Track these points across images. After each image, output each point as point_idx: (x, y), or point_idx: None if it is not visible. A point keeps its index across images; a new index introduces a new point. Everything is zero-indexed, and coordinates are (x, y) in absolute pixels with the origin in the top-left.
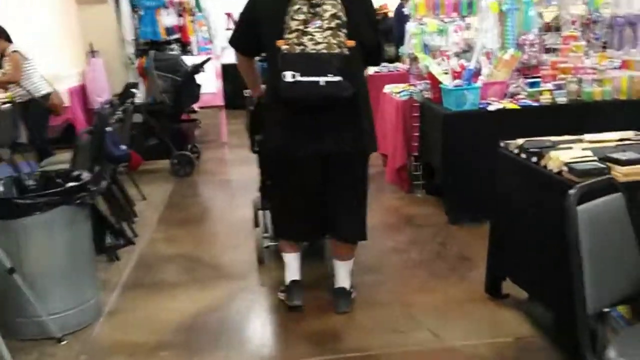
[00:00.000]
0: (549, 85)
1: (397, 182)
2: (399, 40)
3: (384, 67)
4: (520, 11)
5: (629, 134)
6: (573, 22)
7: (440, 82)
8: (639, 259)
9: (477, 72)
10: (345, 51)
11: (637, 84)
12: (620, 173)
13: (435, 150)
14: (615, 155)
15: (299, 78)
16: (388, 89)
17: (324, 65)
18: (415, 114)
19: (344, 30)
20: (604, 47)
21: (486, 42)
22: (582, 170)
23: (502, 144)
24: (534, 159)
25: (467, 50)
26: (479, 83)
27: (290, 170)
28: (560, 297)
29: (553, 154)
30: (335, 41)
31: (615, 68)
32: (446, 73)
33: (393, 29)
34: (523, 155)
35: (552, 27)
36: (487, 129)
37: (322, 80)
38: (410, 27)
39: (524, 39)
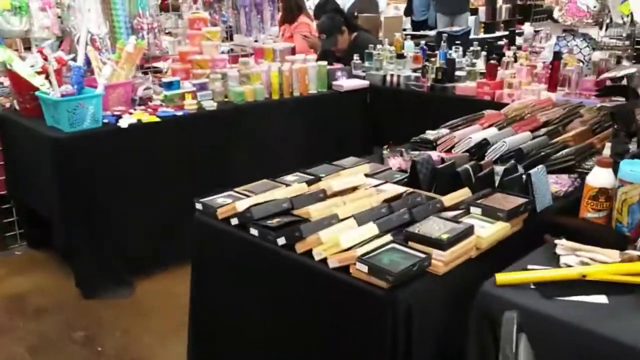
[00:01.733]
0: (189, 86)
1: None
2: None
3: None
4: None
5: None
6: (195, 1)
7: (36, 89)
8: None
9: (88, 71)
10: None
11: (289, 78)
12: (441, 262)
13: (44, 190)
14: (421, 231)
15: None
16: None
17: None
18: None
19: None
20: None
21: (90, 26)
22: (395, 272)
23: (198, 207)
24: (281, 242)
25: (60, 37)
26: (100, 88)
27: None
28: None
29: (326, 237)
30: None
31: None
32: (40, 73)
33: None
34: (254, 232)
35: (170, 6)
36: (124, 155)
37: None
38: None
39: (140, 22)
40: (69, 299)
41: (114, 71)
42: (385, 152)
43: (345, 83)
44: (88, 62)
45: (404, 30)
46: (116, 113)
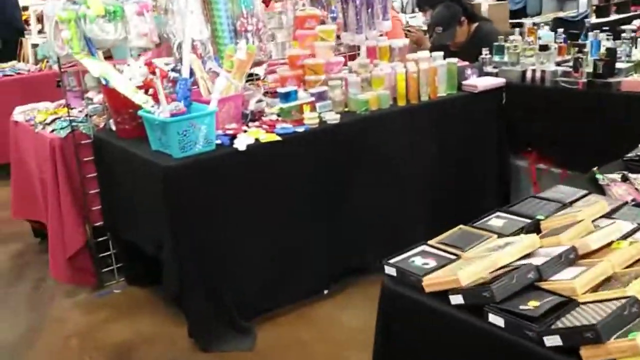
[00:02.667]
0: (305, 95)
1: (72, 278)
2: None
3: None
4: None
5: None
6: None
7: (138, 107)
8: None
9: (193, 83)
10: None
11: (416, 81)
12: None
13: (150, 225)
14: None
15: None
16: (21, 114)
17: None
18: (88, 158)
19: None
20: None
21: (192, 31)
22: None
23: (390, 271)
24: (552, 342)
25: (159, 44)
26: (214, 104)
27: None
28: None
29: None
30: None
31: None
32: (141, 88)
33: None
34: (496, 321)
35: (271, 2)
36: (242, 181)
37: None
38: (48, 8)
39: (244, 23)
40: (182, 352)
41: (229, 83)
42: (599, 176)
43: (478, 82)
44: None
45: None
46: (229, 132)
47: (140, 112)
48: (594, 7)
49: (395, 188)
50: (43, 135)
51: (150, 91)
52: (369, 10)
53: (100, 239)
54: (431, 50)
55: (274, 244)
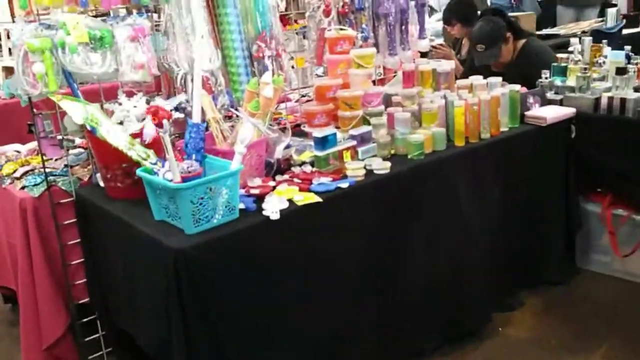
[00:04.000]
0: (344, 138)
1: None
2: None
3: None
4: None
5: None
6: (326, 10)
7: (134, 162)
8: None
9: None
10: None
11: (476, 116)
12: None
13: (151, 317)
14: None
15: None
16: None
17: None
18: (69, 221)
19: None
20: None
21: (202, 60)
22: None
23: None
24: None
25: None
26: (237, 160)
27: None
28: None
29: None
30: None
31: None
32: (136, 137)
33: None
34: None
35: (290, 20)
36: (273, 260)
37: None
38: (15, 33)
39: (261, 47)
40: None
41: (258, 131)
42: None
43: (546, 114)
44: None
45: None
46: (253, 191)
47: (138, 172)
48: (622, 17)
49: (457, 253)
50: (11, 193)
51: (148, 137)
52: (402, 27)
53: (85, 320)
54: (465, 73)
55: (315, 331)
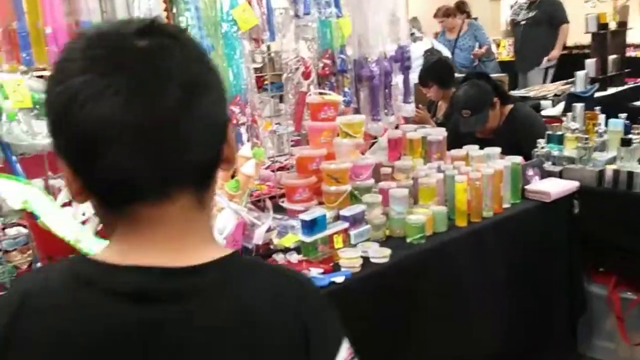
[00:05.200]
0: (333, 218)
1: None
2: None
3: None
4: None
5: None
6: (305, 72)
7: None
8: None
9: None
10: None
11: (479, 192)
12: None
13: None
14: None
15: None
16: None
17: None
18: None
19: None
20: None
21: None
22: None
23: None
24: None
25: None
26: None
27: None
28: None
29: None
30: None
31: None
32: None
33: None
34: None
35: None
36: None
37: None
38: None
39: (235, 113)
40: None
41: (237, 215)
42: None
43: (549, 188)
44: None
45: None
46: None
47: None
48: (591, 80)
49: (459, 344)
50: None
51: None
52: (386, 90)
53: None
54: (449, 141)
55: None
